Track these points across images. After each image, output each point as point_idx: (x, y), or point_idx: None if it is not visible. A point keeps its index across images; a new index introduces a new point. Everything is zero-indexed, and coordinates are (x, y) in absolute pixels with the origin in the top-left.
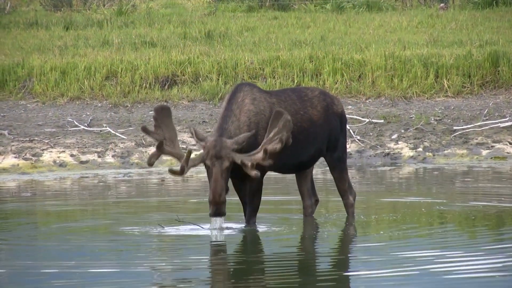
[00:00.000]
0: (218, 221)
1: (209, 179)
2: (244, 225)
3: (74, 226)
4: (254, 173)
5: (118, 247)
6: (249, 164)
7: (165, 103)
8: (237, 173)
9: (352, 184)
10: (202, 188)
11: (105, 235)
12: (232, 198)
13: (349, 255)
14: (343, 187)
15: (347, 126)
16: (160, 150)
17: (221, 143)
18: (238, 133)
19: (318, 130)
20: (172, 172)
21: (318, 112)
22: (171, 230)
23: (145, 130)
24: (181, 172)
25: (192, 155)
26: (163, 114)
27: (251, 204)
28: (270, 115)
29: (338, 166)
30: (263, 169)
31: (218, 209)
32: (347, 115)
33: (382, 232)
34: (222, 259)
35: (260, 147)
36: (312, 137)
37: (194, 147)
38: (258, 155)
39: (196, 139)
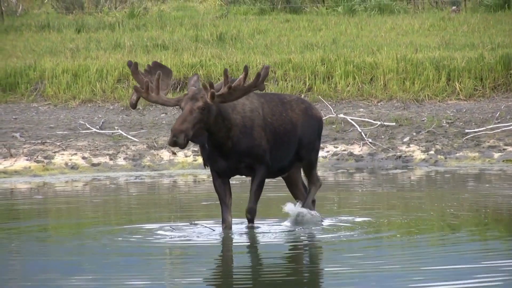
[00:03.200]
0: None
1: None
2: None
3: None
4: (209, 95)
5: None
6: (211, 91)
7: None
8: (244, 170)
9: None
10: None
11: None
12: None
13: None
14: (313, 172)
15: (359, 129)
16: (137, 91)
17: (200, 89)
18: (229, 111)
19: (298, 133)
20: (136, 89)
21: (297, 115)
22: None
23: (131, 65)
24: (146, 91)
25: (168, 96)
26: (163, 71)
27: (254, 194)
28: (263, 114)
29: (310, 162)
30: (268, 163)
31: (175, 136)
32: (359, 118)
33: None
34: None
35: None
36: (293, 141)
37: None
38: (223, 89)
39: (187, 86)
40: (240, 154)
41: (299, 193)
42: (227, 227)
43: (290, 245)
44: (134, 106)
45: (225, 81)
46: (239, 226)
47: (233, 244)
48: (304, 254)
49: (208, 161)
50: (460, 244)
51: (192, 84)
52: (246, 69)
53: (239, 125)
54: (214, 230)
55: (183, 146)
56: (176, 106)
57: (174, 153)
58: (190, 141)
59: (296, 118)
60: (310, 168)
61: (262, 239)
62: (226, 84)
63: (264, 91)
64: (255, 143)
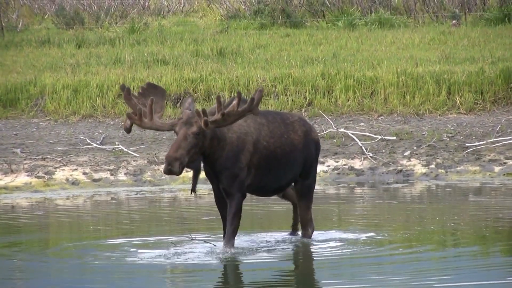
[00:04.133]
0: None
1: None
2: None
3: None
4: (202, 122)
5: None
6: (204, 119)
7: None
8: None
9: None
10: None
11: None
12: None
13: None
14: (307, 217)
15: (360, 143)
16: (130, 118)
17: (195, 114)
18: (224, 131)
19: (297, 154)
20: (129, 116)
21: (299, 136)
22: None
23: (124, 89)
24: (139, 118)
25: (163, 120)
26: (156, 92)
27: (231, 225)
28: (256, 138)
29: (307, 195)
30: (244, 192)
31: (170, 165)
32: (360, 132)
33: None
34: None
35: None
36: (292, 161)
37: None
38: (216, 115)
39: (182, 109)
40: (222, 174)
41: (289, 195)
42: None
43: (289, 261)
44: (128, 131)
45: (218, 107)
46: (241, 239)
47: (234, 260)
48: (301, 268)
49: (208, 178)
50: (461, 259)
51: (186, 107)
52: (239, 94)
53: (234, 143)
54: (215, 246)
55: (178, 174)
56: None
57: None
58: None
59: (298, 141)
60: (306, 201)
61: (268, 253)
62: (219, 110)
63: (265, 108)
64: (236, 167)
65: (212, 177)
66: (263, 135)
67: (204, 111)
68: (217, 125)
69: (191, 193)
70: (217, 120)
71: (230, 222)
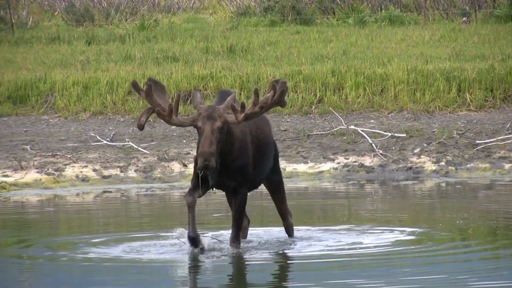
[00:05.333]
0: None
1: (199, 141)
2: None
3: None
4: (242, 116)
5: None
6: (239, 110)
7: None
8: (230, 190)
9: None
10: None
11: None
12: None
13: None
14: (285, 207)
15: (370, 140)
16: (160, 114)
17: (214, 107)
18: (231, 126)
19: (272, 148)
20: (159, 114)
21: (269, 130)
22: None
23: (136, 86)
24: (169, 114)
25: (180, 117)
26: (156, 87)
27: (237, 222)
28: (249, 129)
29: (280, 188)
30: (248, 189)
31: (206, 160)
32: (370, 129)
33: None
34: None
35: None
36: (270, 154)
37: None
38: (252, 107)
39: (193, 104)
40: (236, 170)
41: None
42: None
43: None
44: (142, 127)
45: (256, 100)
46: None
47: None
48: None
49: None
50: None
51: (199, 102)
52: (274, 87)
53: (239, 138)
54: (222, 242)
55: (214, 169)
56: (191, 126)
57: (185, 165)
58: None
59: (270, 134)
60: (281, 193)
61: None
62: (256, 103)
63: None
64: (249, 161)
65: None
66: (251, 125)
67: (243, 105)
68: (252, 117)
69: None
70: (253, 113)
71: (237, 218)
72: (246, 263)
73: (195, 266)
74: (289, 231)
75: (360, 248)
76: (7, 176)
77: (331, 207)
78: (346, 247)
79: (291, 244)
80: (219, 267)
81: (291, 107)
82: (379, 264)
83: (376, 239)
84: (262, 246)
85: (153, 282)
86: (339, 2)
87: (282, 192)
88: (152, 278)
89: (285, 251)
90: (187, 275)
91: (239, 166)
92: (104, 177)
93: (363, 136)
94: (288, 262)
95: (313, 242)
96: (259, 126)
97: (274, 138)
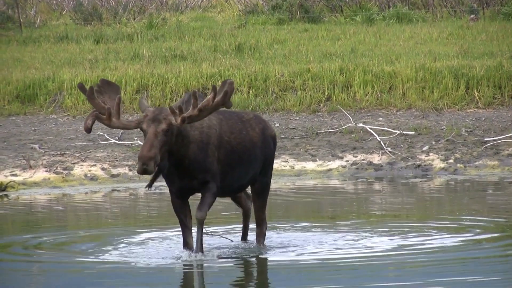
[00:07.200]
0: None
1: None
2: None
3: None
4: (179, 119)
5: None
6: (180, 116)
7: None
8: (197, 186)
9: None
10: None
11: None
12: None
13: None
14: (262, 216)
15: (378, 138)
16: (99, 118)
17: (161, 109)
18: (187, 129)
19: (257, 152)
20: (97, 117)
21: (257, 134)
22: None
23: (82, 88)
24: (108, 118)
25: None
26: (109, 89)
27: (208, 198)
28: (219, 132)
29: (263, 193)
30: (218, 184)
31: (145, 164)
32: (378, 127)
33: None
34: None
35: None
36: (253, 159)
37: None
38: (191, 110)
39: (141, 110)
40: (195, 170)
41: (240, 199)
42: (189, 249)
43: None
44: (89, 131)
45: (195, 103)
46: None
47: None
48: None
49: (167, 182)
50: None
51: (147, 106)
52: (214, 88)
53: (197, 140)
54: (232, 241)
55: (152, 173)
56: (137, 129)
57: None
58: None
59: (256, 138)
60: (262, 199)
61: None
62: (195, 106)
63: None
64: (209, 160)
65: (175, 178)
66: (224, 130)
67: (180, 108)
68: (190, 120)
69: (148, 188)
70: (192, 116)
71: (206, 198)
72: (252, 263)
73: (198, 267)
74: (259, 239)
75: (371, 249)
76: (15, 175)
77: (339, 204)
78: (357, 248)
79: (303, 245)
80: (222, 267)
81: (299, 105)
82: (387, 266)
83: (384, 239)
84: (273, 246)
85: (162, 282)
86: (347, 0)
87: (264, 199)
88: (158, 280)
89: (292, 252)
90: (193, 277)
91: (198, 168)
92: (112, 175)
93: (372, 134)
94: (302, 262)
95: (323, 243)
96: (235, 131)
97: (283, 136)
